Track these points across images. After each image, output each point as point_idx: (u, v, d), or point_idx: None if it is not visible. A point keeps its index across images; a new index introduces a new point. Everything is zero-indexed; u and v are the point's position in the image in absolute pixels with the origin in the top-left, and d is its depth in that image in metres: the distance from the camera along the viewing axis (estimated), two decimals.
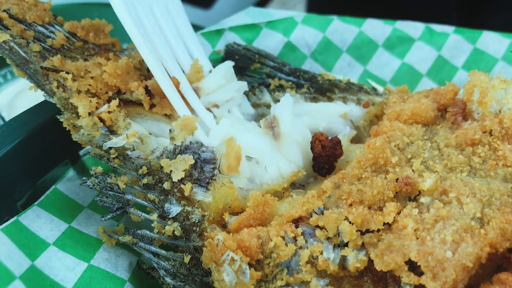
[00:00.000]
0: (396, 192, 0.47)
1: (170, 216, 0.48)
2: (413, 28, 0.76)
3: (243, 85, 0.58)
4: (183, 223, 0.48)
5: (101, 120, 0.51)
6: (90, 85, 0.52)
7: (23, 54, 0.51)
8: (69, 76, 0.50)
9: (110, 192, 0.50)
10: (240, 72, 0.66)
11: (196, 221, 0.49)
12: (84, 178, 0.51)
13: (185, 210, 0.49)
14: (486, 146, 0.49)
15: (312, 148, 0.55)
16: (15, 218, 0.51)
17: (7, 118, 0.88)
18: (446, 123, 0.54)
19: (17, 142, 0.55)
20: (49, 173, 0.60)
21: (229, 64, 0.59)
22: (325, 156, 0.54)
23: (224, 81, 0.56)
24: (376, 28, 0.75)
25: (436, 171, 0.48)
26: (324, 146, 0.53)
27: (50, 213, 0.54)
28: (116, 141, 0.50)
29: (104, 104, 0.51)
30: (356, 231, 0.45)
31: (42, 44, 0.54)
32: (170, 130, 0.52)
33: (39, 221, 0.52)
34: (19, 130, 0.56)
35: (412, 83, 0.75)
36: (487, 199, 0.45)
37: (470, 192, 0.45)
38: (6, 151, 0.54)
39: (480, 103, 0.52)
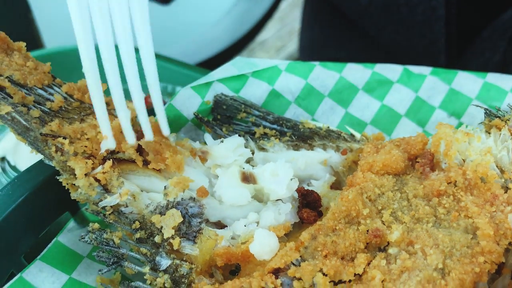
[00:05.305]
0: (367, 243, 0.52)
1: (161, 269, 0.54)
2: (392, 71, 0.80)
3: (247, 152, 0.63)
4: (173, 275, 0.53)
5: (97, 180, 0.56)
6: (86, 147, 0.57)
7: (24, 123, 0.56)
8: (66, 141, 0.56)
9: (106, 247, 0.55)
10: (228, 121, 0.70)
11: (185, 273, 0.53)
12: (82, 234, 0.57)
13: (174, 263, 0.54)
14: (450, 197, 0.53)
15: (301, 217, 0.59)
16: (19, 275, 0.56)
17: (12, 162, 0.93)
18: (416, 173, 0.58)
19: (21, 200, 0.60)
20: (50, 225, 0.64)
21: (240, 140, 0.63)
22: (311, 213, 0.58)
23: (232, 153, 0.61)
24: (356, 73, 0.79)
25: (404, 222, 0.53)
26: (308, 203, 0.58)
27: (52, 266, 0.59)
28: (110, 200, 0.55)
29: (99, 165, 0.57)
30: (330, 282, 0.49)
31: (42, 108, 0.59)
32: (165, 187, 0.57)
33: (41, 275, 0.57)
34: (23, 188, 0.61)
35: (391, 123, 0.79)
36: (449, 250, 0.49)
37: (433, 243, 0.50)
38: (11, 209, 0.59)
39: (445, 155, 0.57)
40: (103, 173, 0.56)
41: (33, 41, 1.24)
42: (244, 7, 1.69)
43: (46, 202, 0.61)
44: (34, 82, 0.61)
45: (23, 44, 0.64)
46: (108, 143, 0.55)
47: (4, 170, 0.86)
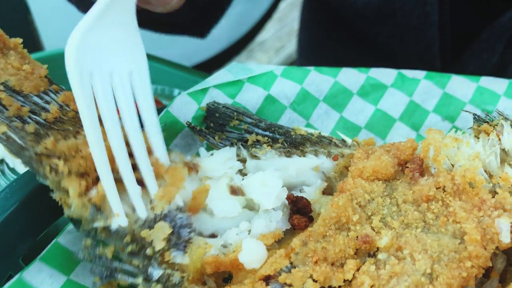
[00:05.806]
0: (357, 249, 0.53)
1: (154, 279, 0.55)
2: (386, 75, 0.81)
3: (237, 165, 0.64)
4: (166, 284, 0.54)
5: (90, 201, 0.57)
6: (80, 164, 0.57)
7: (19, 141, 0.56)
8: (61, 162, 0.56)
9: (100, 262, 0.56)
10: (221, 128, 0.71)
11: (177, 282, 0.55)
12: (75, 251, 0.57)
13: (166, 273, 0.55)
14: (439, 202, 0.54)
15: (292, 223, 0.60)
16: (18, 275, 0.57)
17: (11, 164, 0.94)
18: (405, 178, 0.59)
19: (19, 203, 0.61)
20: (49, 227, 0.65)
21: (230, 153, 0.64)
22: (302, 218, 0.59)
23: (222, 166, 0.62)
24: (351, 77, 0.80)
25: (393, 227, 0.53)
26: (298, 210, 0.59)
27: (51, 267, 0.60)
28: (103, 223, 0.56)
29: (93, 184, 0.57)
30: None
31: (37, 118, 0.59)
32: (151, 201, 0.58)
33: (40, 275, 0.58)
34: (21, 191, 0.62)
35: (385, 127, 0.80)
36: (437, 255, 0.50)
37: (422, 249, 0.50)
38: (9, 212, 0.60)
39: (434, 160, 0.58)
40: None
41: (33, 43, 1.25)
42: (243, 7, 1.71)
43: (44, 204, 0.62)
44: (30, 89, 0.61)
45: (19, 41, 0.63)
46: (119, 220, 0.56)
47: (2, 172, 0.87)
